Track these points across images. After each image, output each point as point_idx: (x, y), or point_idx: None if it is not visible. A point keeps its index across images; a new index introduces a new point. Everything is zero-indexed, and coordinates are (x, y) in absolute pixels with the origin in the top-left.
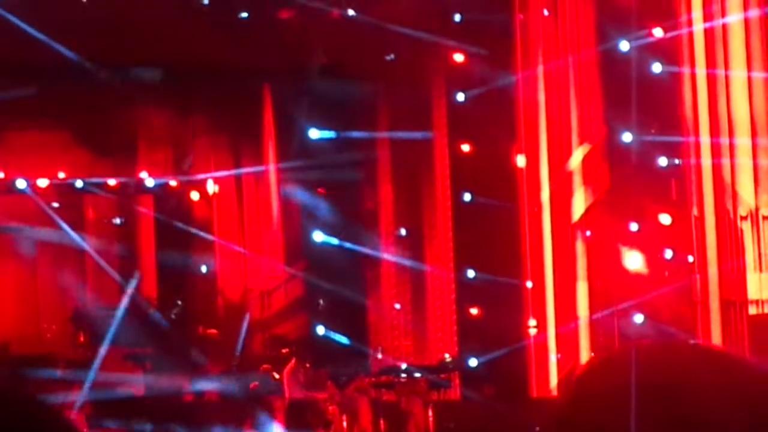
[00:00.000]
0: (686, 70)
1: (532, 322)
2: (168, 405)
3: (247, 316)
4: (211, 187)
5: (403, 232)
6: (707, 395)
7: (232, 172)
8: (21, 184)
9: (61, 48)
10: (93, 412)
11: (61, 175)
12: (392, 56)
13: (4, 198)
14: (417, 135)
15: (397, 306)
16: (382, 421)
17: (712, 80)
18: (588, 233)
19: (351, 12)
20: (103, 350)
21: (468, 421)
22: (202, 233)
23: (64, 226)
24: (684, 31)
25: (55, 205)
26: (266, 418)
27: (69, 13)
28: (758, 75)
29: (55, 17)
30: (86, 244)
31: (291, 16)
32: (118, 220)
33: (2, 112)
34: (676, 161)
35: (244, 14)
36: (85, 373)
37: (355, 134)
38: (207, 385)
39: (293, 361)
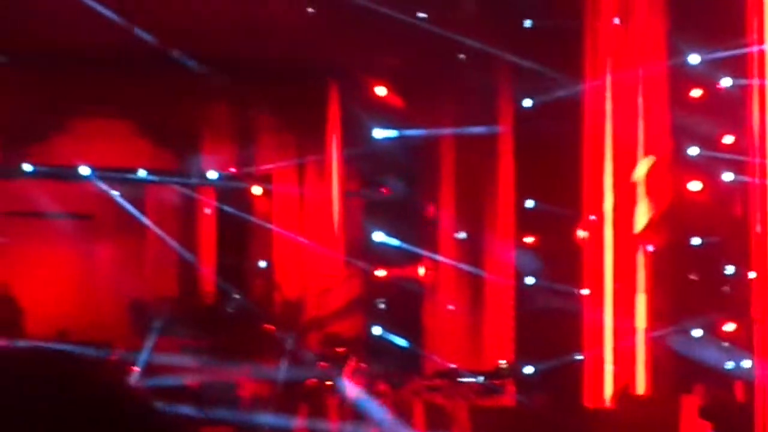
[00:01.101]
0: (755, 83)
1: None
2: (222, 396)
3: (299, 307)
4: (272, 183)
5: (462, 235)
6: None
7: (294, 161)
8: (85, 171)
9: (130, 37)
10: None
11: (124, 164)
12: (463, 56)
13: (67, 185)
14: (482, 129)
15: (451, 307)
16: (433, 425)
17: None
18: (650, 248)
19: (422, 15)
20: (158, 340)
21: (517, 428)
22: (262, 227)
23: (134, 210)
24: (755, 48)
25: (116, 193)
26: (320, 414)
27: (141, 2)
28: None
29: (126, 6)
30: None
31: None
32: (208, 210)
33: (68, 100)
34: (741, 178)
35: (311, 9)
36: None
37: (420, 132)
38: (262, 379)
39: (353, 360)
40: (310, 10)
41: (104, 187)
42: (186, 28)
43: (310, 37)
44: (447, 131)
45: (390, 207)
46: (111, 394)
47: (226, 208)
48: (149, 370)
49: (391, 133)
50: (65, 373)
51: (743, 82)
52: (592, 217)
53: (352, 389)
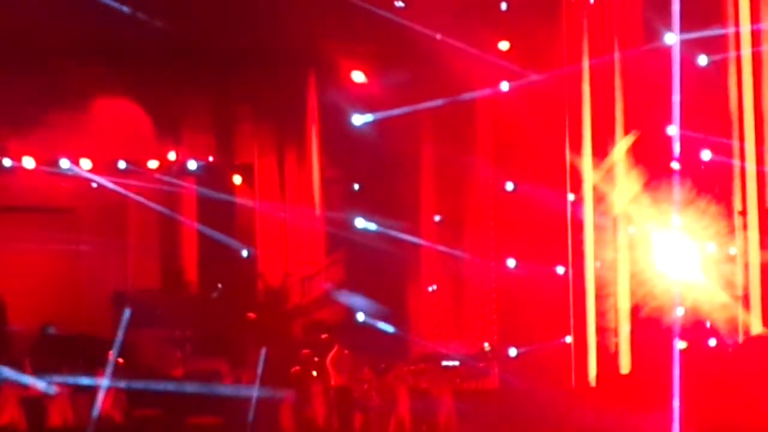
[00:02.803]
0: (732, 63)
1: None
2: (204, 390)
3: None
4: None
5: (437, 218)
6: None
7: (273, 149)
8: (64, 164)
9: (107, 30)
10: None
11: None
12: (439, 36)
13: (50, 178)
14: (465, 96)
15: (432, 288)
16: (419, 409)
17: (757, 72)
18: (631, 229)
19: (400, 3)
20: (141, 331)
21: (502, 410)
22: (243, 216)
23: (129, 194)
24: (731, 30)
25: (94, 185)
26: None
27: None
28: None
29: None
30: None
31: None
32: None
33: (47, 93)
34: (719, 158)
35: None
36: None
37: (397, 112)
38: (245, 369)
39: (336, 347)
40: None
41: (85, 179)
42: (163, 17)
43: (288, 26)
44: (424, 105)
45: (370, 193)
46: None
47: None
48: (132, 361)
49: (370, 118)
50: None
51: (718, 57)
52: (571, 197)
53: (337, 376)
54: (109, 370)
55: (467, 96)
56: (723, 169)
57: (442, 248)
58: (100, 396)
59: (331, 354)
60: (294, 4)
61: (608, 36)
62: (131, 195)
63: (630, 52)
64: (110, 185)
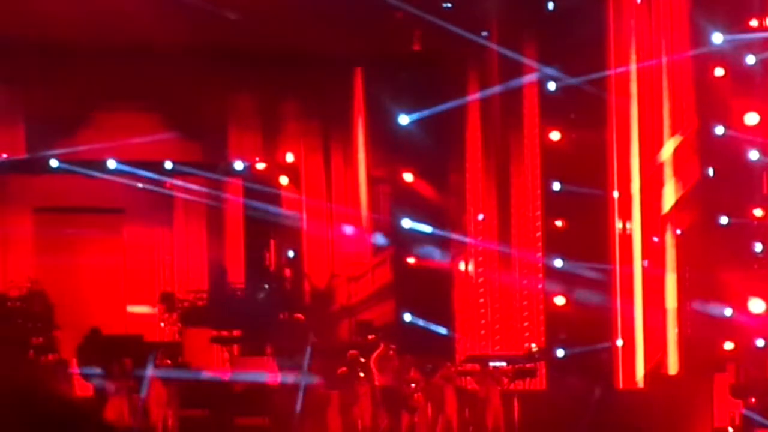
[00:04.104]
0: None
1: None
2: (250, 392)
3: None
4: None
5: (480, 216)
6: None
7: (320, 148)
8: (112, 164)
9: (155, 30)
10: (178, 393)
11: (151, 157)
12: (486, 33)
13: (97, 179)
14: (511, 85)
15: (480, 279)
16: (466, 410)
17: None
18: (678, 231)
19: (447, 4)
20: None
21: (550, 411)
22: (290, 217)
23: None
24: None
25: (140, 185)
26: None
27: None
28: None
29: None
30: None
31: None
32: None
33: (94, 94)
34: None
35: None
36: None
37: (443, 107)
38: (292, 369)
39: (381, 347)
40: None
41: (132, 180)
42: (209, 19)
43: (334, 25)
44: (470, 98)
45: (417, 192)
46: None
47: (253, 199)
48: (180, 362)
49: (416, 116)
50: None
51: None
52: (616, 195)
53: (383, 376)
54: (156, 370)
55: (513, 85)
56: None
57: (489, 246)
58: (150, 395)
59: (375, 353)
60: (340, 4)
61: (656, 36)
62: (178, 195)
63: (676, 49)
64: (157, 186)
